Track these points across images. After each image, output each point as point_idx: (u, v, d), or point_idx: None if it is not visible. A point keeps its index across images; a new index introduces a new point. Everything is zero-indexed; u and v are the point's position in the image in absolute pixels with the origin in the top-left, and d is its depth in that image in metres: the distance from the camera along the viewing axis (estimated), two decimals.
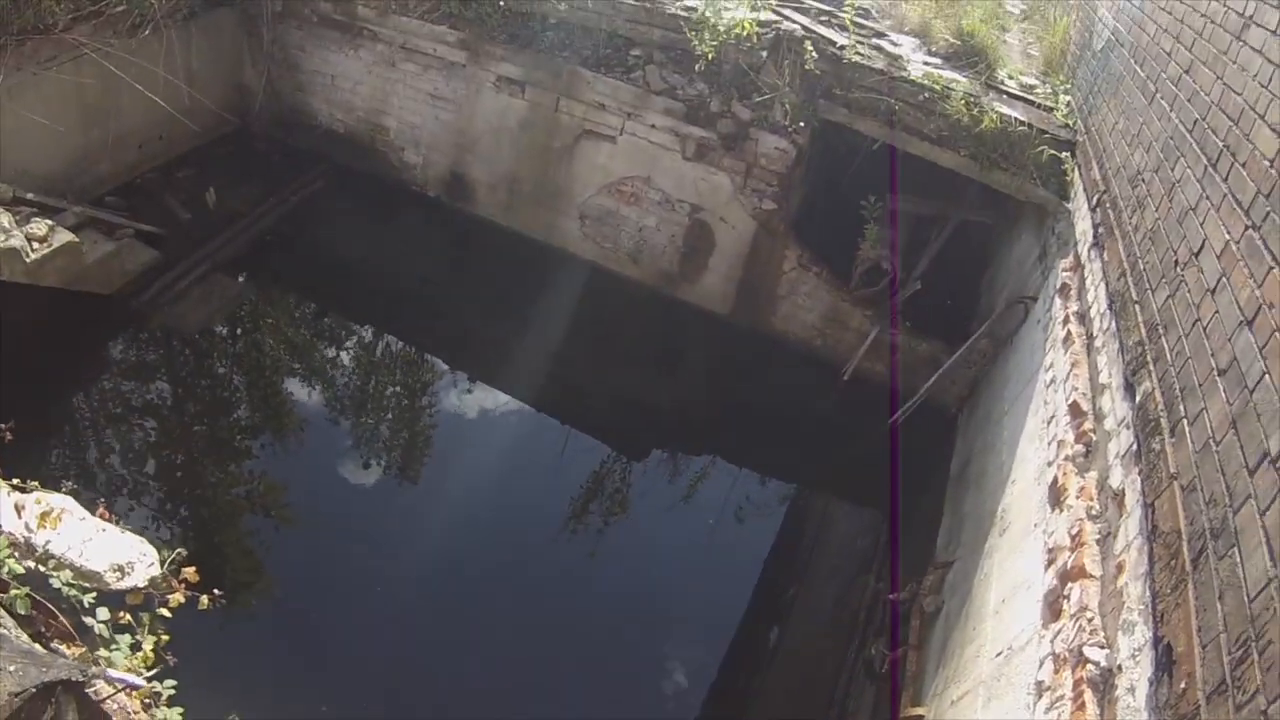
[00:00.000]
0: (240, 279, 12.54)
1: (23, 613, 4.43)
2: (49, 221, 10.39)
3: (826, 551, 11.21)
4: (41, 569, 4.54)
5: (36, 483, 5.10)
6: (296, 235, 13.21)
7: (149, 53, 11.87)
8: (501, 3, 11.54)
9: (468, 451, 11.38)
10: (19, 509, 4.81)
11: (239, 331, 12.53)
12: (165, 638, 4.66)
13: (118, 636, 4.58)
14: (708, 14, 10.50)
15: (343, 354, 12.54)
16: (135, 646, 4.52)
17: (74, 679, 4.06)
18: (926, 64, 10.66)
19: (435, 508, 10.35)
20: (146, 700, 4.37)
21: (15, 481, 5.11)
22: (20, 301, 9.83)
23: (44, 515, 4.74)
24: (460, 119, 12.62)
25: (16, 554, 4.54)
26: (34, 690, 3.89)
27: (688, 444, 11.57)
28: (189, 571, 4.86)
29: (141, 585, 4.74)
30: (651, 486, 11.01)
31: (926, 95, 10.08)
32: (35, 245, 10.02)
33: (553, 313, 12.26)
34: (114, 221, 11.49)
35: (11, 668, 3.96)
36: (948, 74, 10.37)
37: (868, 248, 11.03)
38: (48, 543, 4.67)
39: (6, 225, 9.78)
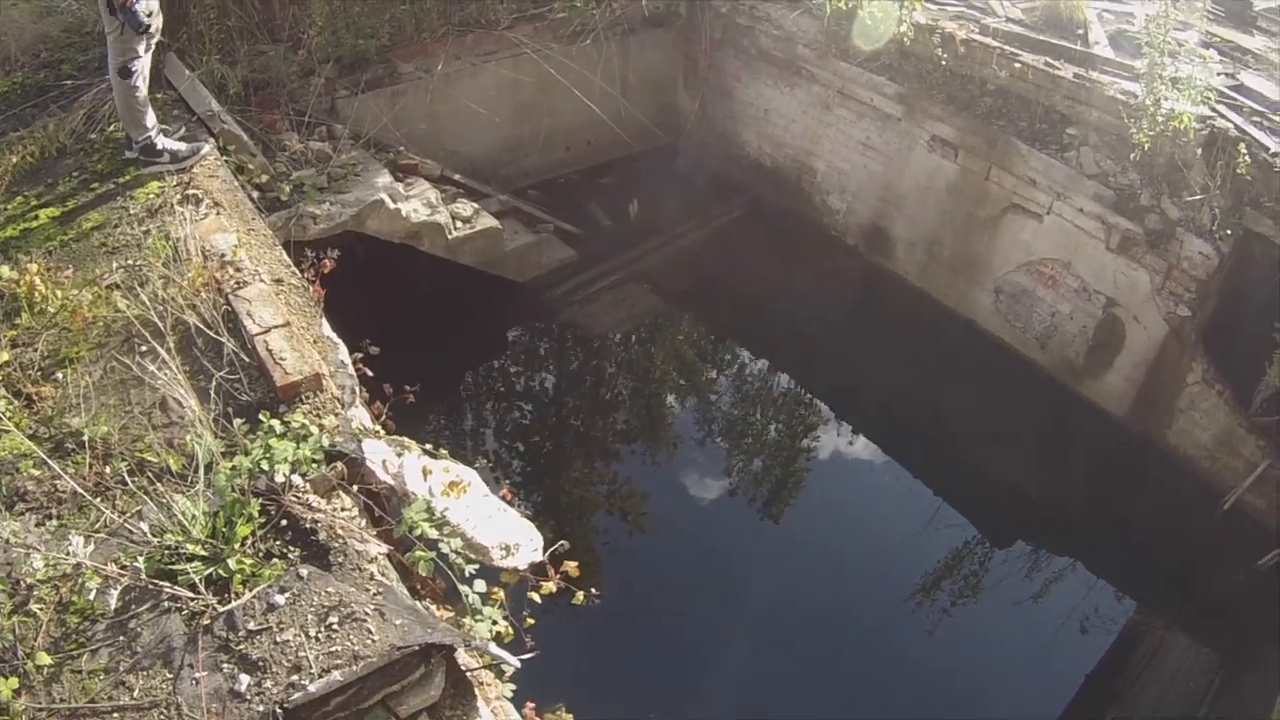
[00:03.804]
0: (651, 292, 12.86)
1: (423, 574, 4.63)
2: (474, 204, 11.04)
3: (1153, 683, 10.50)
4: (434, 533, 4.74)
5: (446, 451, 5.36)
6: (710, 259, 13.39)
7: (587, 61, 12.42)
8: (944, 62, 11.32)
9: (833, 500, 11.22)
10: (426, 472, 5.05)
11: (637, 341, 12.88)
12: (531, 621, 4.85)
13: (485, 609, 4.82)
14: (1147, 102, 9.88)
15: (730, 381, 12.64)
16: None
17: (455, 645, 4.21)
18: None
19: (787, 547, 10.35)
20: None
21: (427, 447, 5.39)
22: (440, 272, 10.49)
23: (453, 484, 4.97)
24: (889, 172, 12.44)
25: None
26: (416, 649, 4.02)
27: (1053, 541, 10.88)
28: (571, 565, 5.02)
29: (522, 568, 4.85)
30: (1006, 576, 10.46)
31: None
32: (459, 224, 10.63)
33: (947, 381, 11.92)
34: (535, 215, 12.07)
35: (399, 621, 4.16)
36: None
37: (1275, 374, 10.02)
38: (446, 509, 4.86)
39: (434, 201, 10.40)
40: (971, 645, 9.81)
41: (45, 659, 4.06)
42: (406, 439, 5.46)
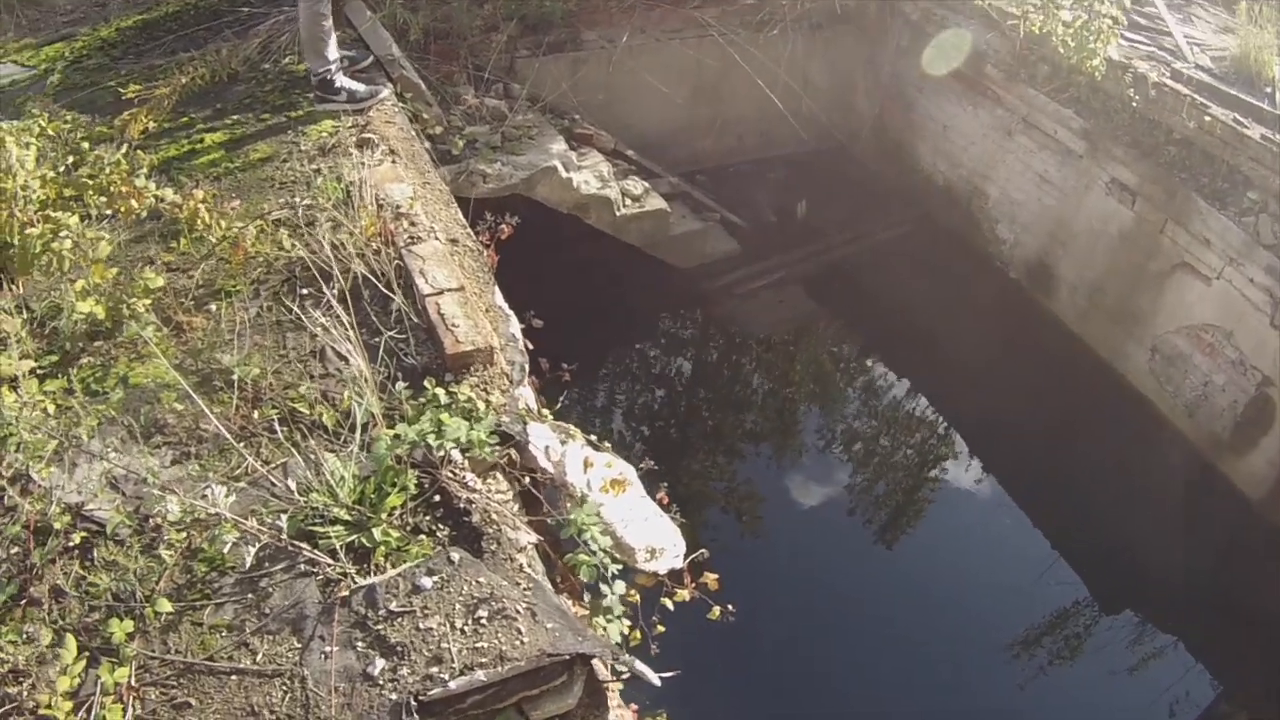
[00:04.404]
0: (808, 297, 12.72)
1: (585, 579, 4.42)
2: (645, 184, 10.86)
3: None
4: (604, 540, 4.55)
5: (609, 445, 5.14)
6: (871, 272, 13.14)
7: (772, 51, 12.12)
8: (1135, 103, 10.84)
9: (950, 536, 10.93)
10: (587, 464, 4.85)
11: (787, 344, 12.70)
12: (661, 629, 4.66)
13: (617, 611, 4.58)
14: None
15: (867, 398, 12.39)
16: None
17: (604, 657, 4.01)
18: None
19: (896, 575, 10.21)
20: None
21: (592, 437, 5.19)
22: (599, 248, 10.37)
23: (615, 482, 4.77)
24: (1063, 209, 12.01)
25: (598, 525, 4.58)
26: (566, 658, 3.83)
27: (1162, 618, 10.47)
28: (711, 578, 4.81)
29: (662, 573, 4.67)
30: (1108, 643, 10.12)
31: None
32: (628, 202, 10.48)
33: (1087, 433, 11.57)
34: (703, 202, 11.87)
35: (550, 624, 3.96)
36: None
37: None
38: (602, 505, 4.66)
39: (605, 175, 10.25)
40: (1059, 707, 9.55)
41: (166, 605, 3.85)
42: (571, 426, 5.23)
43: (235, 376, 4.91)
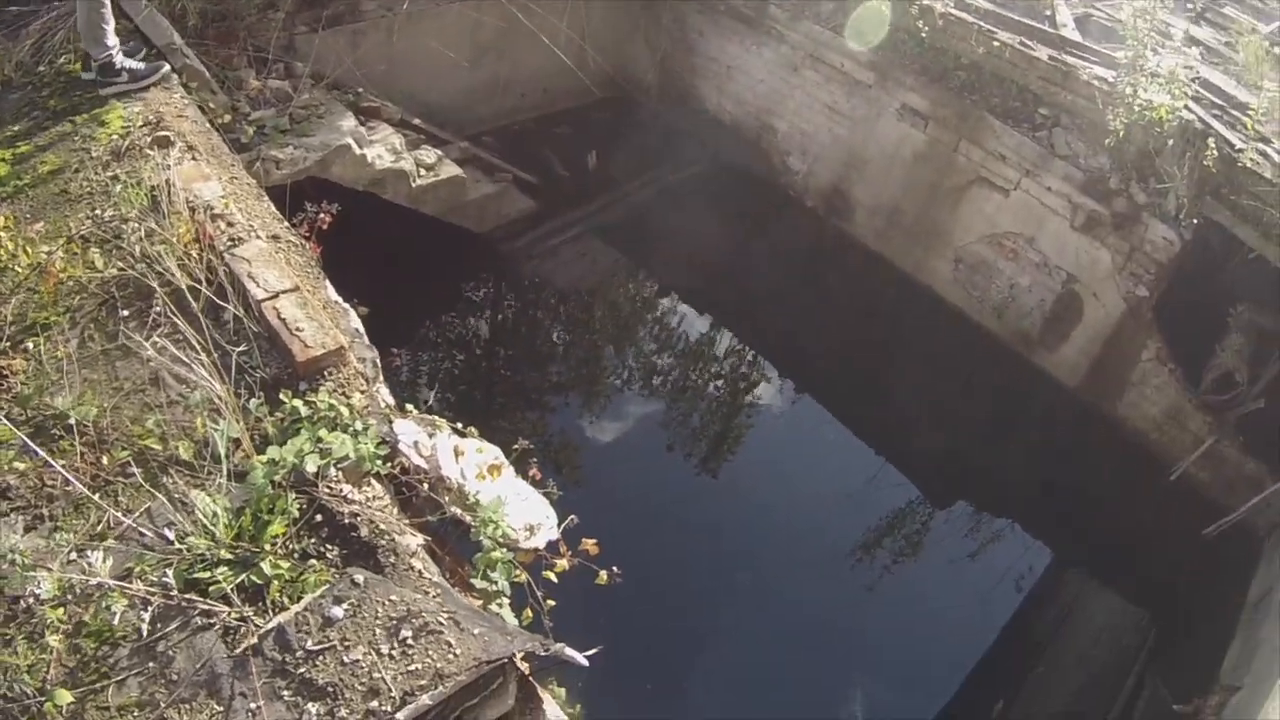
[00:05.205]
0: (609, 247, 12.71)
1: (505, 579, 4.26)
2: (438, 151, 10.59)
3: (1079, 636, 10.71)
4: (513, 533, 4.42)
5: (474, 429, 4.97)
6: (667, 215, 13.15)
7: (553, 5, 11.90)
8: (923, 34, 11.11)
9: (775, 458, 11.21)
10: (458, 453, 4.70)
11: (594, 296, 12.64)
12: (551, 603, 4.55)
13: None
14: (1126, 89, 10.01)
15: (676, 338, 12.41)
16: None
17: (537, 653, 3.81)
18: None
19: (727, 501, 10.37)
20: None
21: (457, 425, 4.97)
22: (400, 220, 10.09)
23: (492, 468, 4.64)
24: (854, 138, 12.26)
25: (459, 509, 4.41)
26: (502, 661, 3.67)
27: (995, 504, 11.16)
28: (589, 543, 4.73)
29: (541, 547, 4.58)
30: (946, 535, 10.72)
31: None
32: (423, 172, 10.20)
33: (901, 347, 11.96)
34: (495, 164, 11.66)
35: (476, 630, 3.76)
36: None
37: (1227, 356, 10.49)
38: (477, 493, 4.51)
39: (398, 147, 9.96)
40: (908, 599, 9.98)
41: (66, 696, 3.43)
42: (436, 417, 4.98)
43: (73, 420, 4.43)
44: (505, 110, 12.92)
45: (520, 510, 4.60)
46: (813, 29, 12.06)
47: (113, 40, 7.05)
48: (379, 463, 4.38)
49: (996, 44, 10.81)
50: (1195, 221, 9.98)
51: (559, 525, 4.74)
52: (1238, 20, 13.09)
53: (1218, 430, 10.42)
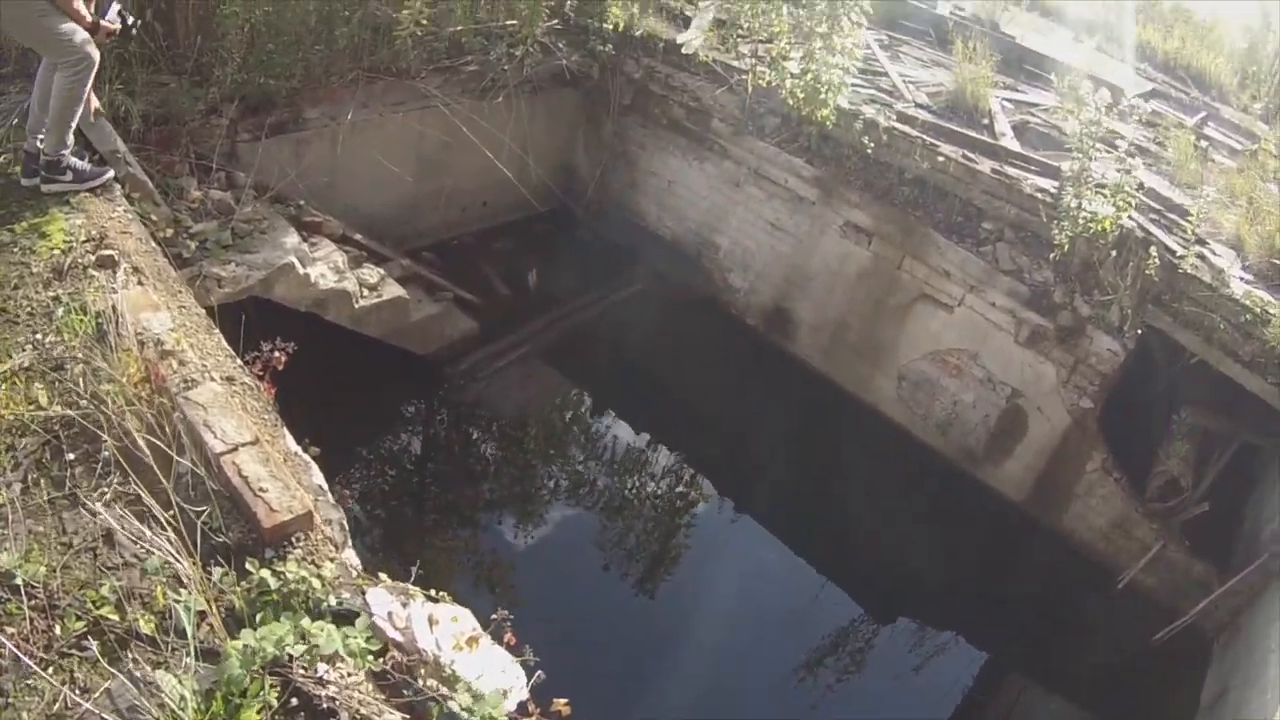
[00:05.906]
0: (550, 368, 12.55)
1: None
2: (380, 270, 10.33)
3: None
4: (444, 690, 4.08)
5: (446, 594, 4.57)
6: (609, 335, 13.04)
7: (496, 118, 11.82)
8: (869, 149, 11.12)
9: (715, 578, 10.94)
10: (433, 622, 4.33)
11: (539, 420, 12.42)
12: None
13: None
14: (1070, 203, 10.09)
15: (615, 458, 12.17)
16: None
17: None
18: (1243, 279, 10.06)
19: (665, 622, 10.23)
20: None
21: (430, 591, 4.58)
22: (344, 338, 9.82)
23: (470, 640, 4.27)
24: (797, 255, 12.22)
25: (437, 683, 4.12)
26: None
27: (940, 619, 11.04)
28: (560, 704, 4.30)
29: (512, 709, 4.21)
30: (889, 651, 10.59)
31: (1247, 317, 9.52)
32: (365, 292, 9.90)
33: (844, 465, 11.89)
34: (436, 282, 11.41)
35: None
36: (1263, 294, 9.71)
37: (1173, 464, 10.65)
38: (453, 663, 4.18)
39: (340, 265, 9.66)
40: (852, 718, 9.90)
41: None
42: (409, 585, 4.60)
43: (19, 580, 4.00)
44: (447, 223, 12.74)
45: (492, 673, 4.28)
46: (756, 144, 12.05)
47: (71, 138, 6.76)
48: (370, 659, 4.03)
49: (941, 158, 10.86)
50: (1139, 331, 10.06)
51: (528, 684, 4.38)
52: (1164, 115, 13.40)
53: (1164, 535, 10.46)
